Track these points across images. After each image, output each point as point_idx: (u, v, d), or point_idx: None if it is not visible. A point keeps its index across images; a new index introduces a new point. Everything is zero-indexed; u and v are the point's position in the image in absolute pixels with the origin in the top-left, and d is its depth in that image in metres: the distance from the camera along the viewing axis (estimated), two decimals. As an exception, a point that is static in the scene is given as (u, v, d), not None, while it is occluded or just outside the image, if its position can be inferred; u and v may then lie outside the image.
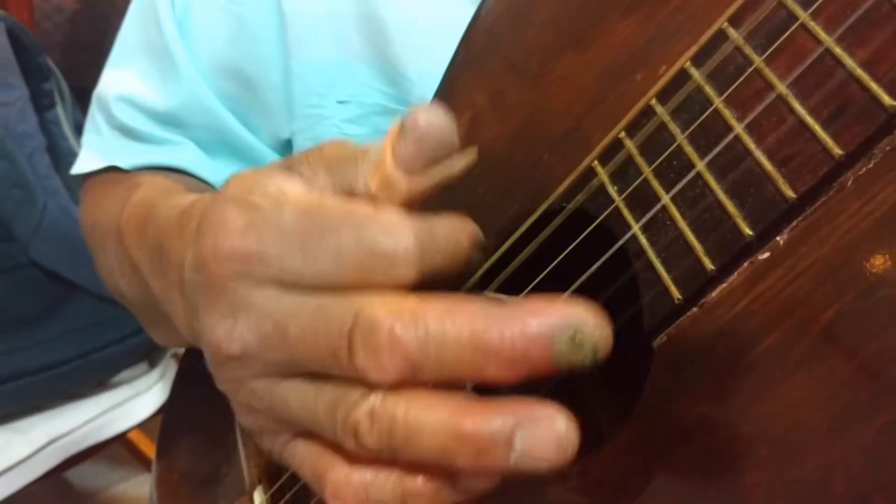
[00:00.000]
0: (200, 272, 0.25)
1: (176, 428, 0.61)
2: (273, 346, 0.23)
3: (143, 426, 0.96)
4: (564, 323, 0.20)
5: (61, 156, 0.93)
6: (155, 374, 0.95)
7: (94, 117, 0.54)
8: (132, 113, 0.51)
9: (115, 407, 0.91)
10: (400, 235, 0.23)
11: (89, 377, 0.91)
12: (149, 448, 1.13)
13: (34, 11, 1.14)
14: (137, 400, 0.92)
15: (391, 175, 0.24)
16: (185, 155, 0.50)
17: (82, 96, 0.56)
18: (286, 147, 0.51)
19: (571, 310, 0.21)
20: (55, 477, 0.91)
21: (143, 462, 1.17)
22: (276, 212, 0.23)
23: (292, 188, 0.24)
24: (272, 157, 0.51)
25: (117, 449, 1.10)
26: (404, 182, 0.24)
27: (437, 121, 0.24)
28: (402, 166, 0.24)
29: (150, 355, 0.96)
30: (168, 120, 0.50)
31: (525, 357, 0.21)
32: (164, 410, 0.63)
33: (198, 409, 0.61)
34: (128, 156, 0.50)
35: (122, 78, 0.52)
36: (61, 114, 0.96)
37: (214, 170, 0.50)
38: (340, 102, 0.47)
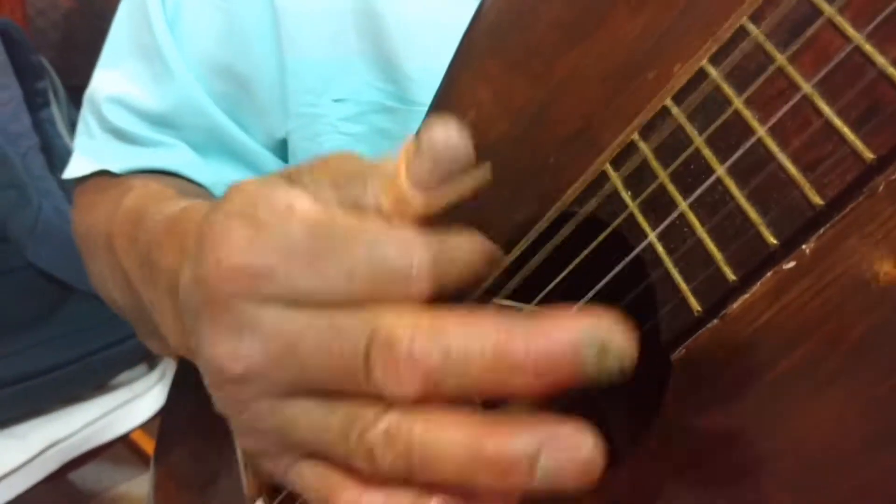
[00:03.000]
0: (200, 289, 0.24)
1: (174, 432, 0.60)
2: (283, 365, 0.22)
3: (145, 426, 0.95)
4: (591, 335, 0.20)
5: (56, 155, 0.91)
6: (154, 375, 0.94)
7: (86, 120, 0.53)
8: (124, 114, 0.50)
9: (115, 409, 0.90)
10: (413, 251, 0.22)
11: (88, 380, 0.90)
12: (152, 447, 1.12)
13: (28, 9, 1.13)
14: (137, 402, 0.91)
15: (405, 192, 0.23)
16: (177, 157, 0.48)
17: (78, 95, 0.55)
18: (281, 146, 0.50)
19: (597, 321, 0.20)
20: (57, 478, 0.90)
21: (146, 461, 1.16)
22: (284, 227, 0.23)
23: (299, 202, 0.23)
24: (267, 156, 0.50)
25: (120, 449, 1.09)
26: (419, 199, 0.23)
27: (453, 137, 0.23)
28: (417, 184, 0.23)
29: (149, 357, 0.95)
30: (160, 121, 0.49)
31: (550, 370, 0.20)
32: (162, 414, 0.63)
33: (195, 412, 0.60)
34: (119, 159, 0.49)
35: (113, 79, 0.51)
36: (56, 113, 0.95)
37: (208, 171, 0.49)
38: (336, 101, 0.46)
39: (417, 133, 0.24)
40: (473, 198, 0.25)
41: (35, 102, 0.92)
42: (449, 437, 0.20)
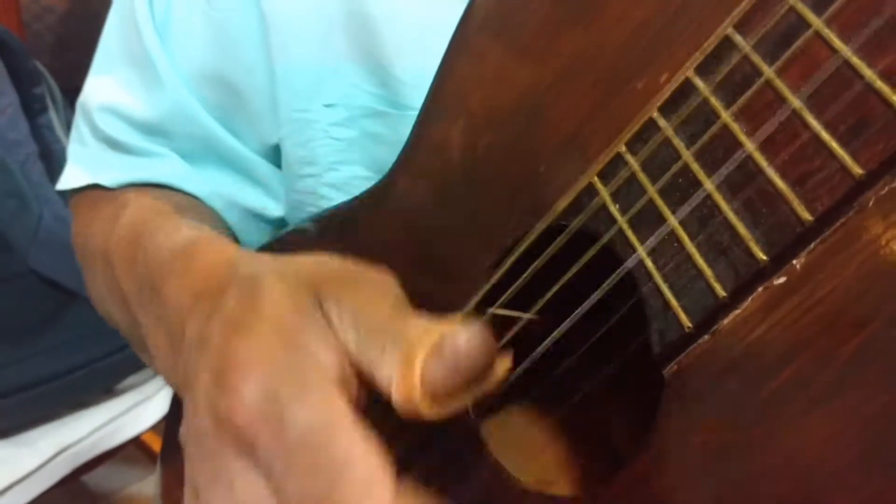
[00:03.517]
0: (215, 421, 0.24)
1: (178, 436, 0.60)
2: None
3: (156, 427, 0.95)
4: None
5: (55, 161, 0.91)
6: (161, 378, 0.94)
7: (79, 127, 0.52)
8: (116, 123, 0.49)
9: (123, 413, 0.90)
10: None
11: (95, 384, 0.90)
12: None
13: (23, 14, 1.12)
14: (145, 405, 0.91)
15: (415, 394, 0.23)
16: (169, 168, 0.48)
17: (76, 97, 0.54)
18: (275, 153, 0.50)
19: None
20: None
21: (157, 462, 1.16)
22: (291, 418, 0.23)
23: (327, 369, 0.24)
24: (260, 163, 0.50)
25: (131, 450, 1.10)
26: (425, 408, 0.23)
27: (477, 345, 0.22)
28: (429, 388, 0.23)
29: (155, 360, 0.95)
30: (152, 130, 0.49)
31: None
32: (167, 417, 0.63)
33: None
34: (112, 171, 0.48)
35: (104, 86, 0.50)
36: (54, 117, 0.95)
37: (200, 182, 0.49)
38: (327, 106, 0.46)
39: (442, 334, 0.23)
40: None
41: (33, 108, 0.92)
42: None
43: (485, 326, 0.23)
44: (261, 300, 0.25)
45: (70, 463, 0.86)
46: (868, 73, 0.21)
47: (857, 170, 0.21)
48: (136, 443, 1.05)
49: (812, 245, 0.22)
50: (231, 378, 0.24)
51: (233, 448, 0.24)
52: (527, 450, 0.35)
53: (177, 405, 0.63)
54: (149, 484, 1.30)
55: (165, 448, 0.62)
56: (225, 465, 0.24)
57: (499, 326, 0.32)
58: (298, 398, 0.23)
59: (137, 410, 0.91)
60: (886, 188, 0.21)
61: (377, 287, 0.26)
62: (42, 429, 0.86)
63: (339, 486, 0.22)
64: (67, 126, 0.97)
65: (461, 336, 0.22)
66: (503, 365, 0.24)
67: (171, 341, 0.29)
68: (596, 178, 0.27)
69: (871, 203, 0.21)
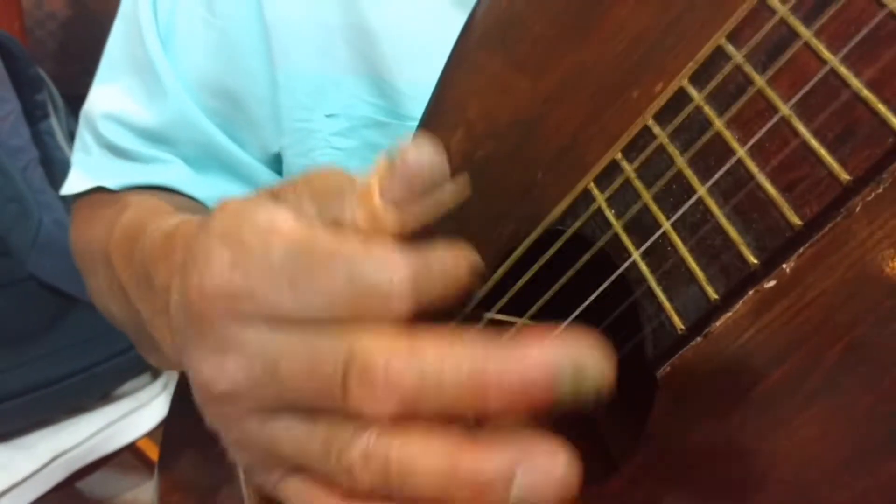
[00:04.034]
0: (186, 310, 0.24)
1: (177, 440, 0.60)
2: (263, 384, 0.23)
3: (151, 434, 0.96)
4: (566, 359, 0.20)
5: (56, 167, 0.92)
6: (158, 384, 0.95)
7: (83, 136, 0.53)
8: (119, 131, 0.50)
9: (120, 419, 0.90)
10: (393, 270, 0.22)
11: (93, 390, 0.91)
12: (157, 455, 1.12)
13: (26, 20, 1.13)
14: (141, 411, 0.92)
15: (378, 210, 0.24)
16: (172, 173, 0.49)
17: (78, 104, 0.55)
18: (276, 161, 0.50)
19: (573, 346, 0.20)
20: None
21: (152, 469, 1.16)
22: (265, 248, 0.23)
23: (282, 221, 0.24)
24: (262, 170, 0.50)
25: (126, 457, 1.10)
26: (392, 217, 0.24)
27: (425, 157, 0.23)
28: (390, 201, 0.24)
29: (153, 366, 0.95)
30: (156, 137, 0.49)
31: (525, 394, 0.20)
32: (165, 423, 0.63)
33: (199, 420, 0.61)
34: (116, 175, 0.49)
35: (108, 95, 0.51)
36: (55, 124, 0.96)
37: (203, 186, 0.49)
38: (329, 116, 0.46)
39: (389, 149, 0.24)
40: (451, 211, 0.25)
41: (35, 115, 0.93)
42: (425, 457, 0.21)
43: (429, 141, 0.23)
44: (216, 213, 0.25)
45: (66, 468, 0.86)
46: (855, 82, 0.21)
47: (845, 176, 0.21)
48: (132, 450, 1.05)
49: (801, 249, 0.23)
50: (193, 265, 0.23)
51: (223, 318, 0.23)
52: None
53: (175, 410, 0.63)
54: (144, 491, 1.30)
55: (163, 455, 0.63)
56: (222, 334, 0.23)
57: (496, 330, 0.32)
58: (264, 236, 0.23)
59: (134, 416, 0.91)
60: (873, 194, 0.21)
61: (329, 172, 0.25)
62: (40, 433, 0.86)
63: (355, 264, 0.22)
64: (69, 133, 0.98)
65: (407, 152, 0.23)
66: (462, 183, 0.24)
67: (171, 328, 0.29)
68: (592, 184, 0.28)
69: (858, 209, 0.22)
